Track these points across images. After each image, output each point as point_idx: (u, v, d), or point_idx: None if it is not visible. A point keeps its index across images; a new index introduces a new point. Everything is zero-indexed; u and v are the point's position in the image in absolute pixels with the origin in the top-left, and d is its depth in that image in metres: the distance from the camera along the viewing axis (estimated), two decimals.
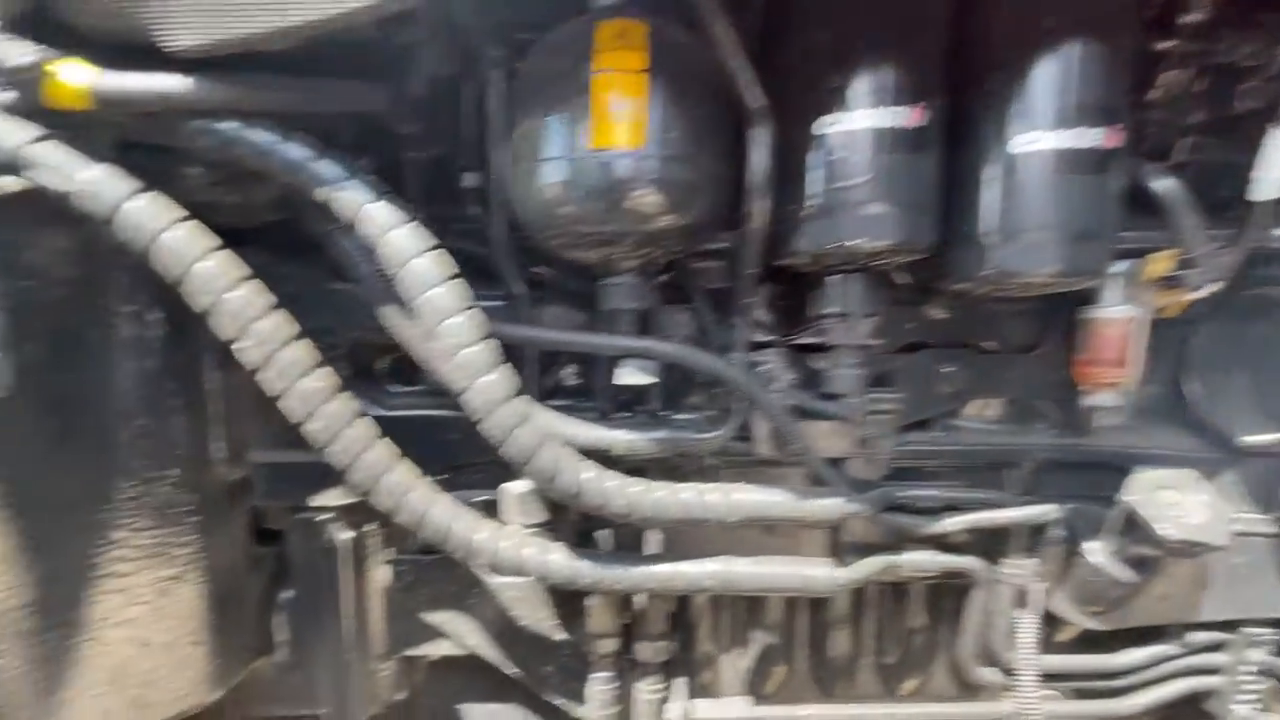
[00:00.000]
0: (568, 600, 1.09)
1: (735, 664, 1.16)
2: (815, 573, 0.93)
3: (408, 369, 1.05)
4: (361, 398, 0.83)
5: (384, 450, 0.81)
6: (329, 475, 0.98)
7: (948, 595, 1.11)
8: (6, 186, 0.69)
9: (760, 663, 1.17)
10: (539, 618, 1.09)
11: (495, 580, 1.08)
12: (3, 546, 0.74)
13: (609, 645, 1.05)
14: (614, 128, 0.71)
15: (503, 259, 0.90)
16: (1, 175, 0.67)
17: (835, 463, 0.94)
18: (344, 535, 1.01)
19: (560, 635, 1.08)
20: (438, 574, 1.07)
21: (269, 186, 0.85)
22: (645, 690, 1.06)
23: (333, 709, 1.07)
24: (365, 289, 0.81)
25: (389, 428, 0.83)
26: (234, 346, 0.72)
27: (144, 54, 0.66)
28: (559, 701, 1.11)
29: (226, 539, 0.95)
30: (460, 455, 0.98)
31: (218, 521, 0.93)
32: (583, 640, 1.08)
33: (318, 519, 0.99)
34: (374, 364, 1.00)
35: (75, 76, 0.63)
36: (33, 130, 0.63)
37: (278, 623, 1.05)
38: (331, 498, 0.99)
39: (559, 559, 0.89)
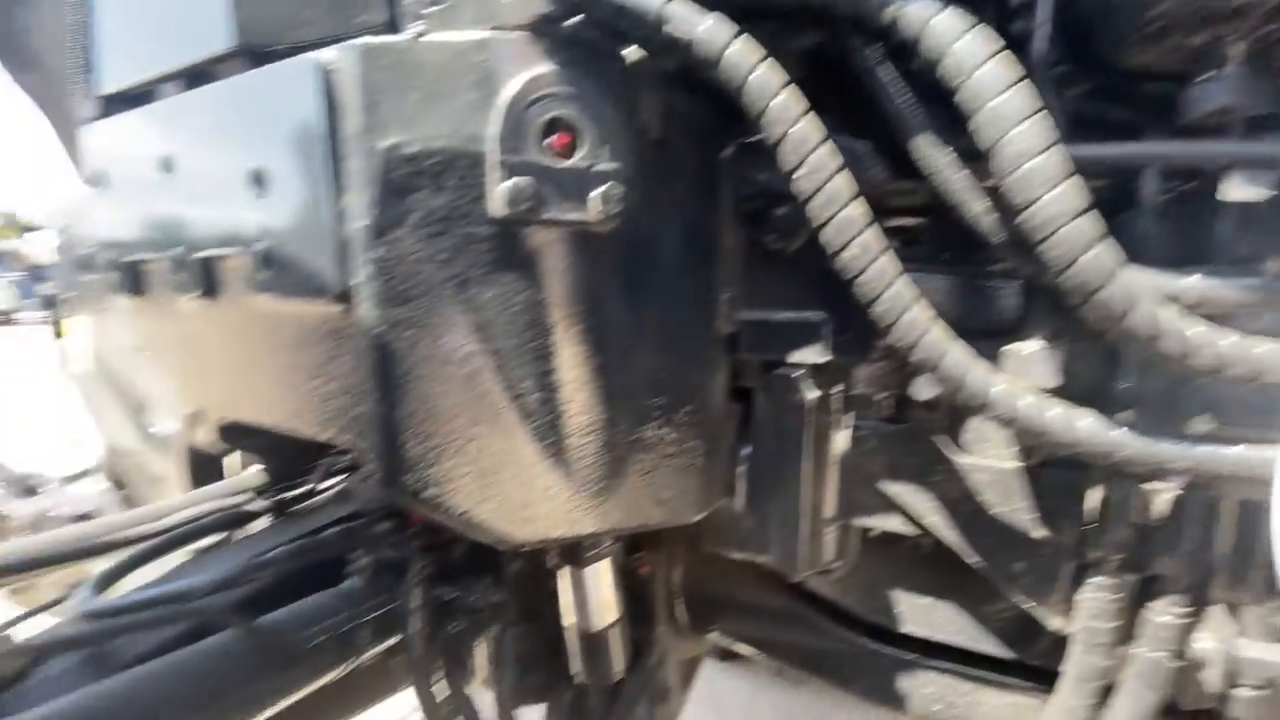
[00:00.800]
0: (1049, 494, 0.97)
1: (1257, 615, 0.90)
2: None
3: None
4: None
5: (907, 287, 0.80)
6: (805, 334, 1.04)
7: None
8: (631, 56, 0.84)
9: None
10: (1013, 508, 0.99)
11: (965, 460, 1.02)
12: (591, 361, 0.91)
13: (1117, 551, 0.90)
14: None
15: (1041, 81, 0.80)
16: (639, 41, 0.81)
17: None
18: (811, 394, 1.05)
19: (1040, 531, 0.97)
20: (900, 445, 1.06)
21: (796, 44, 0.89)
22: (1164, 611, 0.89)
23: (777, 560, 1.15)
24: (897, 120, 0.81)
25: None
26: (793, 176, 0.77)
27: None
28: (1029, 605, 1.01)
29: (720, 382, 1.06)
30: None
31: (718, 365, 1.05)
32: (1070, 540, 0.95)
33: (791, 375, 1.05)
34: None
35: None
36: None
37: (739, 473, 1.16)
38: (806, 355, 1.03)
39: (1091, 424, 0.77)
